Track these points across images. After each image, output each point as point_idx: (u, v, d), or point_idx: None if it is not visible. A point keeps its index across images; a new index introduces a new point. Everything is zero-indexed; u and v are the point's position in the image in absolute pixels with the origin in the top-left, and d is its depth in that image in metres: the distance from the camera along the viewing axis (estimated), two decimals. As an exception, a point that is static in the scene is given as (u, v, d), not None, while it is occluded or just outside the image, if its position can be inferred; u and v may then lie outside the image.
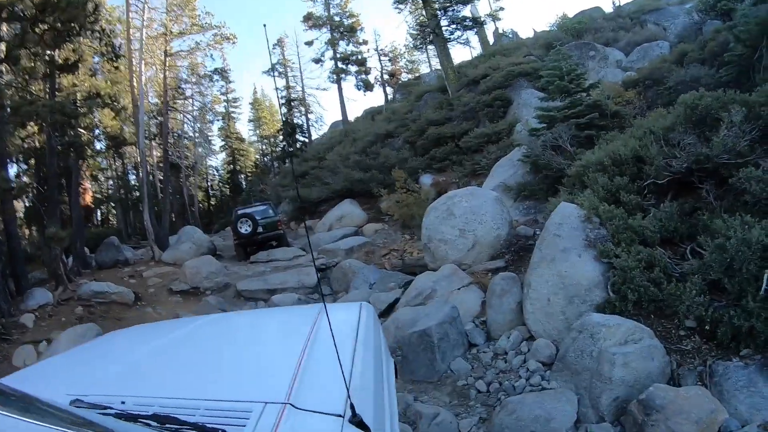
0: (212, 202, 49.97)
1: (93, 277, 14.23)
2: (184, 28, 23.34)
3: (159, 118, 28.10)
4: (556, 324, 5.92)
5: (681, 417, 4.00)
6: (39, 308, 11.25)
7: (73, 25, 11.10)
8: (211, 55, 27.24)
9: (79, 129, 17.99)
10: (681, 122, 7.29)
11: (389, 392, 2.39)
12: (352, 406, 1.60)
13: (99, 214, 39.27)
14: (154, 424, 1.50)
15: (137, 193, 27.00)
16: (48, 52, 12.69)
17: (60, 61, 13.03)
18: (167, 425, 1.50)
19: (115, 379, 2.27)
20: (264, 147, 52.64)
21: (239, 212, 17.71)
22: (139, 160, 22.81)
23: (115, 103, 16.39)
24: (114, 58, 18.03)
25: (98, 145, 24.82)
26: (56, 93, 14.70)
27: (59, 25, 10.83)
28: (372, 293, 9.83)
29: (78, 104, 15.15)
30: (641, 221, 6.18)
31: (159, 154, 29.39)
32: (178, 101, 29.54)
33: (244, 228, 16.84)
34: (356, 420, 1.58)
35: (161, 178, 35.45)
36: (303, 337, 2.37)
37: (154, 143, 31.00)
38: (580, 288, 5.86)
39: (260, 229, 16.96)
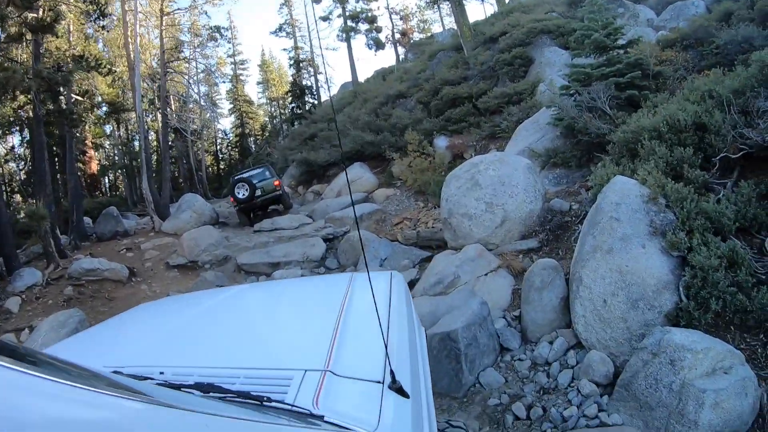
0: (221, 166, 49.33)
1: (90, 251, 13.69)
2: (180, -16, 22.04)
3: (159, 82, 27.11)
4: (615, 333, 4.72)
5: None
6: (27, 290, 10.69)
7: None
8: (206, 12, 25.97)
9: (75, 96, 17.12)
10: (754, 85, 6.07)
11: (423, 361, 2.35)
12: (392, 372, 1.62)
13: (107, 181, 39.08)
14: (197, 392, 1.47)
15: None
16: (27, 14, 11.59)
17: (31, 21, 11.81)
18: (211, 393, 1.47)
19: (151, 350, 2.25)
20: (273, 109, 51.99)
21: (236, 178, 17.59)
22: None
23: (103, 67, 15.21)
24: (100, 17, 16.74)
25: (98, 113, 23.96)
26: (41, 58, 13.60)
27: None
28: (383, 271, 8.77)
29: (62, 69, 13.99)
30: (716, 206, 5.00)
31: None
32: (181, 64, 28.46)
33: (242, 193, 16.51)
34: (396, 386, 1.60)
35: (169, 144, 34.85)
36: (337, 306, 2.34)
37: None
38: (646, 288, 4.68)
39: (258, 192, 16.68)
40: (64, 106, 16.21)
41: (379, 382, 1.61)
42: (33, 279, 10.87)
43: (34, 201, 14.02)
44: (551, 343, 5.24)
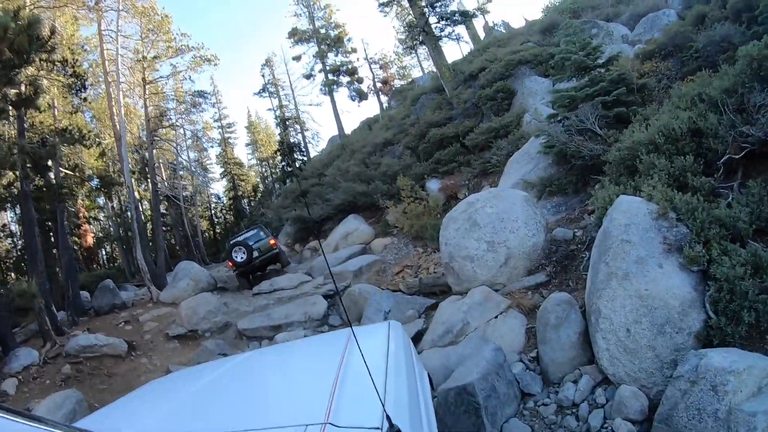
0: (217, 230, 49.12)
1: (87, 326, 13.29)
2: (160, 52, 22.07)
3: (141, 151, 27.04)
4: (644, 364, 4.34)
5: None
6: (23, 370, 10.16)
7: (24, 56, 9.81)
8: (190, 77, 26.11)
9: (64, 170, 16.97)
10: (745, 81, 5.88)
11: (425, 402, 2.42)
12: (388, 417, 1.67)
13: (104, 253, 38.88)
14: None
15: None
16: (9, 90, 11.47)
17: (12, 97, 11.66)
18: None
19: (164, 424, 2.30)
20: (263, 170, 52.11)
21: (231, 242, 17.47)
22: (136, 196, 21.98)
23: (88, 139, 15.04)
24: (81, 89, 16.66)
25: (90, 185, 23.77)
26: (25, 134, 13.44)
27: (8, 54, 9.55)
28: (381, 323, 8.38)
29: (47, 144, 13.80)
30: (728, 210, 4.71)
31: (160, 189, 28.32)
32: (168, 131, 28.53)
33: (239, 256, 16.44)
34: (394, 430, 1.62)
35: (162, 212, 34.59)
36: (336, 361, 2.40)
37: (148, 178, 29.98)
38: (671, 311, 4.32)
39: (256, 254, 16.61)
40: (53, 181, 16.03)
41: (377, 429, 1.66)
42: (29, 359, 10.41)
43: (27, 278, 13.73)
44: (575, 382, 4.85)
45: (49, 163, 15.43)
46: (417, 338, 7.41)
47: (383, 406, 1.71)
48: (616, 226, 5.03)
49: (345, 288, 11.91)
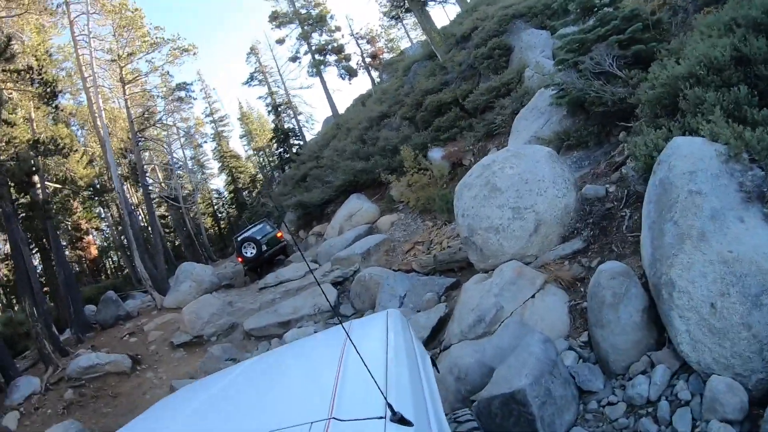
0: (222, 225, 48.86)
1: (92, 343, 12.99)
2: (136, 48, 21.21)
3: (132, 154, 26.32)
4: (737, 347, 3.39)
5: None
6: (25, 401, 9.82)
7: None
8: (168, 72, 25.48)
9: (53, 184, 16.46)
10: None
11: (429, 386, 2.44)
12: (389, 405, 1.68)
13: (111, 263, 38.81)
14: None
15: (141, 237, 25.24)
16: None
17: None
18: None
19: None
20: (261, 159, 51.63)
21: (240, 238, 17.98)
22: (132, 202, 21.43)
23: (63, 148, 14.20)
24: (52, 97, 15.84)
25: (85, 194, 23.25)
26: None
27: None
28: (404, 311, 7.58)
29: (19, 158, 13.02)
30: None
31: (155, 191, 27.64)
32: (159, 132, 27.88)
33: (249, 251, 16.93)
34: (397, 417, 1.64)
35: (163, 214, 34.07)
36: (336, 357, 2.41)
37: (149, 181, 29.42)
38: (766, 275, 3.37)
39: (265, 248, 17.03)
40: (40, 198, 15.39)
41: (381, 418, 1.65)
42: (30, 387, 10.07)
43: (20, 304, 13.18)
44: (645, 373, 3.95)
45: (35, 179, 14.80)
46: (440, 327, 6.61)
47: (384, 395, 1.72)
48: (677, 174, 4.06)
49: (354, 273, 11.44)
